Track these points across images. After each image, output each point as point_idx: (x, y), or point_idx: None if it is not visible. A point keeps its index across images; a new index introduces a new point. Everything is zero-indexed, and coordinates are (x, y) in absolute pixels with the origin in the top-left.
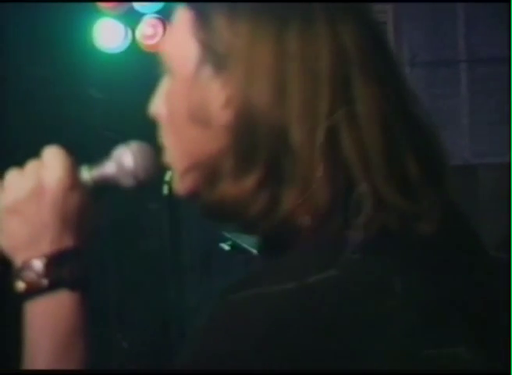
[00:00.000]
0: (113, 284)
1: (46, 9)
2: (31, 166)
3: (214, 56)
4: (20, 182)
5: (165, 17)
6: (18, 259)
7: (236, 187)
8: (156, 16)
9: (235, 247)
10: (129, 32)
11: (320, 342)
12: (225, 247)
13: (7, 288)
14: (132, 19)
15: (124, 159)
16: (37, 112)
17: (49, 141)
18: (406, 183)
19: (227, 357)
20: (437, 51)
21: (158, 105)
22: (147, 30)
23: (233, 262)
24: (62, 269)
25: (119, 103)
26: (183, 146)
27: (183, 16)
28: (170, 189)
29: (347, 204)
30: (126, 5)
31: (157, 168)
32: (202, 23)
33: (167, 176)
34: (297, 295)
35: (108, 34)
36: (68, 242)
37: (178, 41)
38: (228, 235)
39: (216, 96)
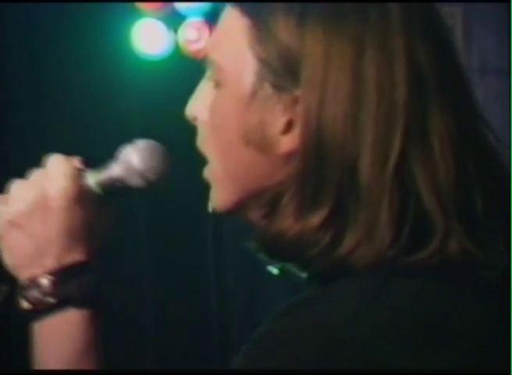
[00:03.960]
0: (150, 306)
1: (82, 10)
2: (34, 176)
3: (275, 75)
4: (23, 194)
5: (211, 20)
6: (22, 277)
7: (299, 225)
8: (201, 18)
9: (284, 271)
10: (173, 35)
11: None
12: (274, 270)
13: (13, 308)
14: (174, 22)
15: (130, 159)
16: (72, 118)
17: (84, 148)
18: (473, 222)
19: None
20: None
21: (198, 109)
22: (191, 33)
23: (280, 287)
24: (70, 286)
25: (159, 112)
26: (228, 163)
27: (236, 21)
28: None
29: (411, 237)
30: (168, 6)
31: (166, 166)
32: (261, 34)
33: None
34: (354, 319)
35: (149, 37)
36: (75, 257)
37: (231, 50)
38: None
39: (276, 119)
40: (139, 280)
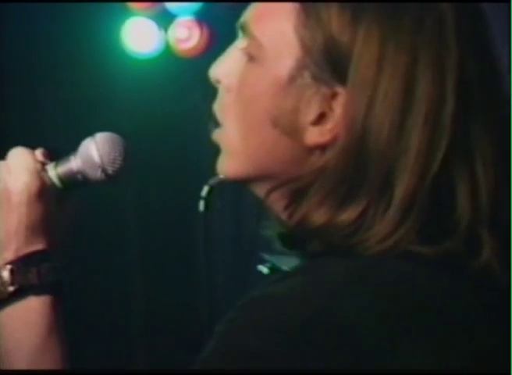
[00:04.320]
0: (138, 302)
1: (73, 9)
2: None
3: (317, 66)
4: None
5: (201, 19)
6: None
7: (329, 217)
8: (191, 17)
9: (275, 270)
10: (163, 34)
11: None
12: (264, 269)
13: None
14: (164, 21)
15: (89, 151)
16: (63, 117)
17: (73, 146)
18: (500, 237)
19: (253, 352)
20: None
21: (224, 74)
22: (182, 32)
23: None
24: (29, 275)
25: (150, 110)
26: (248, 138)
27: (284, 3)
28: (207, 205)
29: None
30: (158, 5)
31: (127, 159)
32: (310, 20)
33: (203, 192)
34: (340, 292)
35: (139, 36)
36: (35, 246)
37: (274, 29)
38: (268, 257)
39: (309, 109)
40: (128, 279)
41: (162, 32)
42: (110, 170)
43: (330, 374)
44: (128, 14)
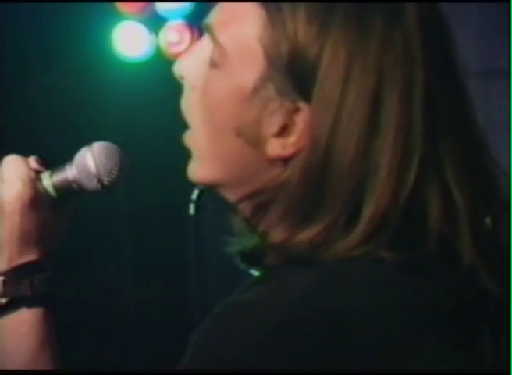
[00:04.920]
0: (131, 305)
1: (61, 12)
2: None
3: (280, 79)
4: None
5: (192, 22)
6: None
7: (286, 238)
8: (182, 21)
9: (265, 272)
10: (154, 38)
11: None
12: (255, 272)
13: None
14: (155, 25)
15: (86, 161)
16: (53, 121)
17: (63, 150)
18: (482, 241)
19: (230, 356)
20: (490, 60)
21: (187, 70)
22: (172, 36)
23: None
24: (21, 286)
25: (140, 114)
26: (216, 145)
27: (251, 8)
28: (197, 209)
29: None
30: (149, 8)
31: (123, 170)
32: (276, 31)
33: (194, 195)
34: (307, 294)
35: (130, 40)
36: (28, 257)
37: (239, 37)
38: None
39: (272, 122)
40: (120, 282)
41: (153, 36)
42: (106, 181)
43: (329, 374)
44: (119, 18)
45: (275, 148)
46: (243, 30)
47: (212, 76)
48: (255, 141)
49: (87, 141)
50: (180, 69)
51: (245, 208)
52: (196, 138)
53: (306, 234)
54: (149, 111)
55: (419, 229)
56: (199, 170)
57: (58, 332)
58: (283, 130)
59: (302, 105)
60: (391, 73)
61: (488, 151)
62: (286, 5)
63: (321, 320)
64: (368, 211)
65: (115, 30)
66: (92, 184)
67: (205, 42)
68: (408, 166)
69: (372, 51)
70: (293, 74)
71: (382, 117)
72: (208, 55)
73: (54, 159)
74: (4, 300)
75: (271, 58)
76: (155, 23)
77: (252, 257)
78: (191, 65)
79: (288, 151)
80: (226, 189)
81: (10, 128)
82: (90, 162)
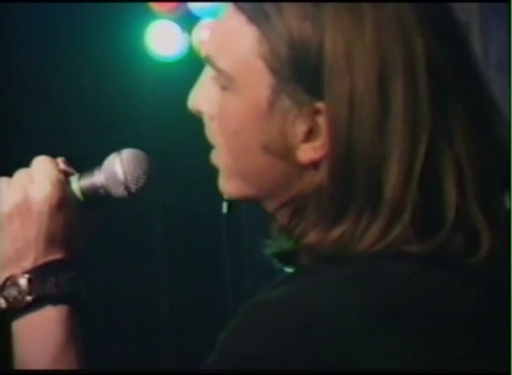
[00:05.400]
0: (166, 307)
1: (95, 12)
2: (19, 177)
3: (291, 88)
4: (6, 195)
5: None
6: (0, 277)
7: (320, 238)
8: (215, 19)
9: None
10: (187, 37)
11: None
12: (289, 270)
13: None
14: (188, 24)
15: (114, 168)
16: (86, 120)
17: (97, 149)
18: (497, 219)
19: (258, 354)
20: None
21: (202, 103)
22: (205, 34)
23: None
24: (47, 284)
25: (173, 114)
26: (243, 165)
27: (242, 28)
28: (230, 207)
29: (424, 231)
30: (182, 7)
31: (151, 177)
32: (274, 45)
33: (224, 208)
34: (337, 295)
35: (163, 39)
36: (53, 256)
37: (239, 60)
38: None
39: (296, 129)
40: (155, 282)
41: (186, 34)
42: (133, 188)
43: (331, 374)
44: (152, 17)
45: (307, 153)
46: (240, 50)
47: (225, 100)
48: (285, 153)
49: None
50: (194, 104)
51: (282, 215)
52: (222, 158)
53: (337, 232)
54: (182, 109)
55: (437, 209)
56: (228, 186)
57: (87, 331)
58: (310, 134)
59: (319, 105)
60: (391, 51)
61: (503, 123)
62: (273, 13)
63: (352, 317)
64: (388, 193)
65: (149, 29)
66: (119, 191)
67: (210, 71)
68: (419, 141)
69: (369, 34)
70: (301, 78)
71: (390, 97)
72: (216, 82)
73: (86, 159)
74: (29, 298)
75: (275, 69)
76: (188, 21)
77: (289, 257)
78: (203, 97)
79: (319, 154)
80: (260, 202)
81: (44, 127)
82: (118, 168)
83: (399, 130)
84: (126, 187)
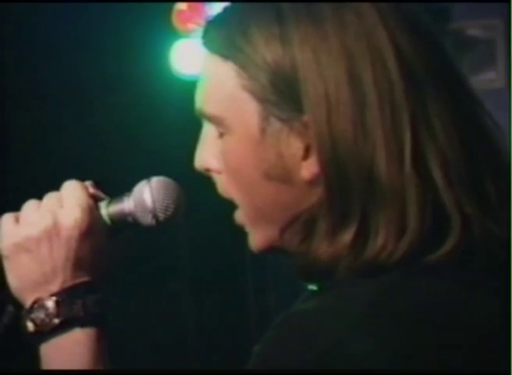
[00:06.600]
0: (191, 326)
1: (119, 31)
2: (48, 201)
3: (278, 108)
4: (35, 218)
5: None
6: (27, 300)
7: (332, 248)
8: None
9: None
10: None
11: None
12: (314, 288)
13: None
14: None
15: (143, 196)
16: (111, 139)
17: (121, 169)
18: (487, 203)
19: (293, 365)
20: None
21: (208, 161)
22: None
23: None
24: (74, 306)
25: (197, 132)
26: (256, 202)
27: (220, 68)
28: None
29: (433, 230)
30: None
31: (179, 207)
32: (251, 72)
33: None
34: (371, 309)
35: (187, 58)
36: (81, 279)
37: (225, 98)
38: None
39: (293, 148)
40: (180, 302)
41: None
42: (161, 217)
43: (331, 374)
44: (176, 36)
45: (309, 168)
46: (223, 89)
47: (224, 145)
48: (287, 176)
49: (144, 160)
50: (200, 163)
51: (293, 233)
52: (240, 211)
53: (348, 237)
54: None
55: (435, 196)
56: (256, 240)
57: (114, 351)
58: (307, 151)
59: (305, 117)
60: (357, 47)
61: (486, 112)
62: (243, 44)
63: (388, 329)
64: (383, 185)
65: (173, 48)
66: (147, 219)
67: (206, 129)
68: (401, 126)
69: (331, 35)
70: (283, 96)
71: (364, 90)
72: (215, 138)
73: (112, 177)
74: (57, 320)
75: (259, 95)
76: None
77: (309, 274)
78: (207, 154)
79: (319, 167)
80: (285, 239)
81: (71, 148)
82: (147, 196)
83: (378, 119)
84: (155, 216)
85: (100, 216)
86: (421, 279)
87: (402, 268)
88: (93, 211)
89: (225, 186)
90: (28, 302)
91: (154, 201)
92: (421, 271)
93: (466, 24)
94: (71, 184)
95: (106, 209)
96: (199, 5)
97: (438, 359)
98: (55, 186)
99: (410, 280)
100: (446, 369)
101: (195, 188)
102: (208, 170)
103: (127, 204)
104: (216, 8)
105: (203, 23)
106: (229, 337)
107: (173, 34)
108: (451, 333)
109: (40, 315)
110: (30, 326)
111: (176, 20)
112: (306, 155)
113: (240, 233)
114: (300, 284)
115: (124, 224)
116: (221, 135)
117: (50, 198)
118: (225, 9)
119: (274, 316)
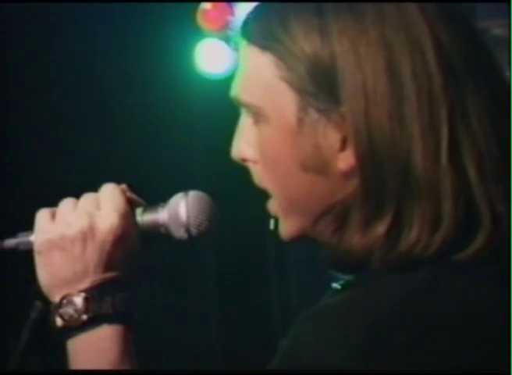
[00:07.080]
0: (214, 326)
1: (144, 31)
2: (86, 202)
3: (316, 99)
4: (72, 217)
5: None
6: (55, 296)
7: (365, 239)
8: None
9: (347, 286)
10: (235, 55)
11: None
12: (338, 287)
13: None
14: (236, 41)
15: (178, 209)
16: (136, 139)
17: (146, 169)
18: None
19: (323, 359)
20: None
21: (245, 150)
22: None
23: None
24: (103, 303)
25: (222, 132)
26: (291, 192)
27: (258, 58)
28: (277, 224)
29: (466, 223)
30: (230, 25)
31: (212, 223)
32: (289, 63)
33: (271, 225)
34: (402, 306)
35: (211, 57)
36: (110, 277)
37: (262, 88)
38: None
39: (330, 140)
40: (204, 299)
41: (234, 53)
42: (194, 232)
43: (340, 374)
44: (200, 35)
45: (345, 161)
46: (261, 79)
47: (261, 134)
48: (324, 167)
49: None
50: (237, 153)
51: (325, 225)
52: (274, 201)
53: (382, 229)
54: (231, 126)
55: (469, 194)
56: (288, 229)
57: (141, 349)
58: (344, 142)
59: (343, 108)
60: (396, 39)
61: None
62: (282, 35)
63: (423, 323)
64: (419, 177)
65: (197, 47)
66: (179, 233)
67: (243, 119)
68: (439, 120)
69: (371, 27)
70: (322, 87)
71: (402, 82)
72: (251, 127)
73: (138, 178)
74: (85, 316)
75: (297, 86)
76: (236, 39)
77: (342, 265)
78: (244, 143)
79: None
80: (318, 229)
81: (96, 149)
82: (182, 210)
83: (415, 112)
84: (187, 230)
85: (135, 223)
86: (450, 278)
87: (432, 265)
88: (129, 217)
89: (260, 176)
90: (56, 298)
91: (188, 216)
92: (451, 269)
93: (491, 24)
94: (109, 187)
95: (141, 217)
96: (224, 4)
97: (462, 360)
98: (82, 187)
99: (440, 279)
100: (473, 369)
101: (220, 186)
102: (244, 160)
103: (162, 214)
104: (241, 8)
105: (229, 23)
106: (253, 335)
107: (198, 34)
108: (477, 332)
109: (68, 310)
110: (59, 321)
111: (200, 20)
112: (343, 146)
113: (264, 232)
114: (323, 284)
115: (156, 234)
116: (257, 123)
117: (87, 198)
118: (265, 2)
119: (297, 313)
